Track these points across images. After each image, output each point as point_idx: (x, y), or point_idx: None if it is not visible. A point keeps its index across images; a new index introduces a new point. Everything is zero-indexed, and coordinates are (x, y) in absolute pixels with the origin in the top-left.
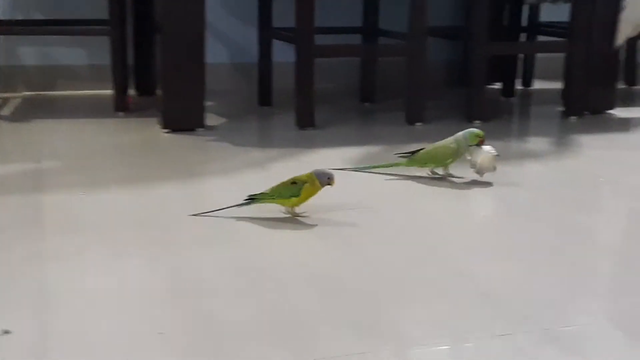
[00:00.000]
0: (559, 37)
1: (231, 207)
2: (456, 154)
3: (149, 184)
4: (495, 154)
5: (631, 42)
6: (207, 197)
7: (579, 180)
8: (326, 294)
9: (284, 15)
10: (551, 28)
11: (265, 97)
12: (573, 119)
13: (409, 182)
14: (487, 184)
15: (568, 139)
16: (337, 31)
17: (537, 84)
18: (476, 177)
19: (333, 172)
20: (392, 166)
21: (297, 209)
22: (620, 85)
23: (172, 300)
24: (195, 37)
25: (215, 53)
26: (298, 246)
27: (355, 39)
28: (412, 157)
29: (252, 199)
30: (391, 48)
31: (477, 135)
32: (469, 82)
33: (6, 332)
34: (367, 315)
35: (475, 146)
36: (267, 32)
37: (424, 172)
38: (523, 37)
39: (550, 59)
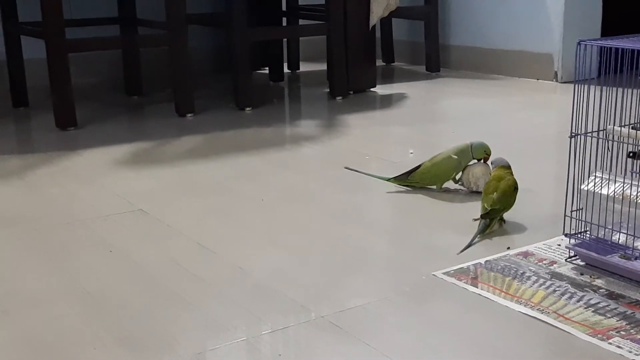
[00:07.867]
0: (318, 20)
1: (474, 241)
2: (460, 166)
3: None
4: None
5: (386, 21)
6: None
7: (346, 159)
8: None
9: (30, 8)
10: (310, 11)
11: (19, 98)
12: (339, 99)
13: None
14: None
15: (335, 119)
16: (92, 23)
17: (304, 67)
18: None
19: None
20: (390, 180)
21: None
22: (380, 63)
23: None
24: None
25: None
26: None
27: (115, 30)
28: (410, 177)
29: (485, 219)
30: (150, 38)
31: (485, 151)
32: (235, 69)
33: None
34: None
35: (474, 163)
36: (12, 27)
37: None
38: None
39: (313, 42)
